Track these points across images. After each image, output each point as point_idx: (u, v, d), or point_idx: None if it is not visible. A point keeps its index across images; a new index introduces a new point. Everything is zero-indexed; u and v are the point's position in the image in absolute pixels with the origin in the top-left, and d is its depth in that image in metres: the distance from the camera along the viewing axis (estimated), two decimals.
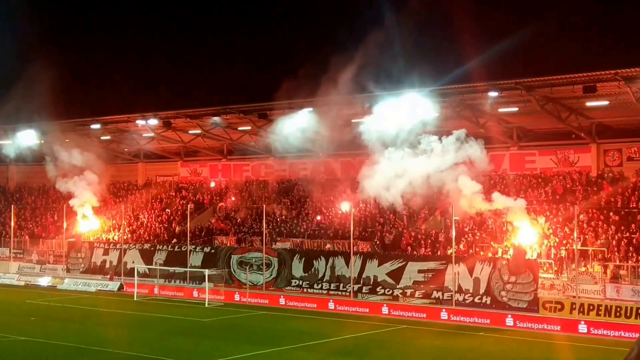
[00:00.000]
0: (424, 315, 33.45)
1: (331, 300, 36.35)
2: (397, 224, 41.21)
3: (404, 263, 36.31)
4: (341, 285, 37.89)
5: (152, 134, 54.15)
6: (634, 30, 48.99)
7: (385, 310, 34.56)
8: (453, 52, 45.03)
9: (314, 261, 39.19)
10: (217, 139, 53.61)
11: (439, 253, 37.01)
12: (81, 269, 47.92)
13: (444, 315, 33.04)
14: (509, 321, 31.18)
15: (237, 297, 39.17)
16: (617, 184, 38.93)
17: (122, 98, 58.86)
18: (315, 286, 38.70)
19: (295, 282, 39.47)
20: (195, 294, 40.47)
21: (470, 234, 37.61)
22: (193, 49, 72.42)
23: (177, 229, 48.39)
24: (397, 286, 36.07)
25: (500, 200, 34.70)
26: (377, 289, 36.62)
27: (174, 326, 32.50)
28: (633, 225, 34.66)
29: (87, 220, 51.90)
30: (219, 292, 39.73)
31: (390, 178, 35.35)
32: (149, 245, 46.50)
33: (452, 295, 34.17)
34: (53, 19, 71.33)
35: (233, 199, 50.10)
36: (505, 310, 32.37)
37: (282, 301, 37.69)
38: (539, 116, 40.26)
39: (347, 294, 37.21)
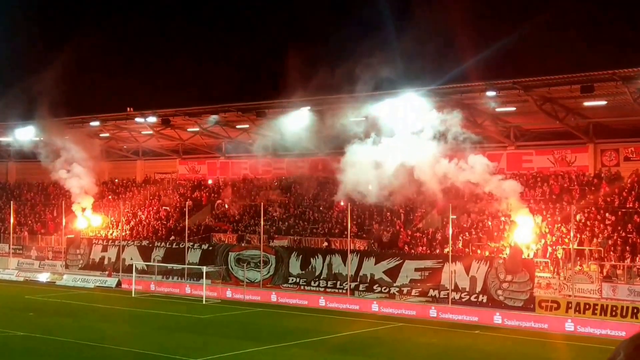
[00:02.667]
0: (421, 313, 33.59)
1: (328, 298, 36.52)
2: (395, 222, 41.34)
3: (400, 261, 36.44)
4: (338, 283, 38.03)
5: (150, 132, 54.29)
6: (632, 31, 49.13)
7: (381, 308, 34.72)
8: (451, 52, 45.11)
9: (311, 259, 39.33)
10: (215, 137, 53.73)
11: (437, 251, 37.12)
12: (80, 265, 48.06)
13: (440, 313, 33.20)
14: (505, 320, 31.34)
15: (234, 294, 39.31)
16: (614, 184, 39.06)
17: (121, 96, 59.01)
18: (312, 284, 38.84)
19: (293, 280, 39.60)
20: (192, 290, 40.59)
21: (467, 233, 37.74)
22: (192, 47, 72.53)
23: (174, 223, 48.52)
24: (394, 284, 36.19)
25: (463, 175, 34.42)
26: (374, 287, 36.75)
27: (171, 322, 32.66)
28: (629, 225, 34.78)
29: (86, 218, 52.10)
30: (217, 289, 39.88)
31: (361, 172, 35.74)
32: (147, 242, 46.64)
33: (448, 293, 34.31)
34: (53, 16, 71.45)
35: (226, 206, 50.12)
36: (501, 308, 32.51)
37: (279, 298, 37.83)
38: (536, 116, 40.36)
39: (344, 291, 37.35)
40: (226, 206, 49.83)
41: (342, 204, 42.51)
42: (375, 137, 35.91)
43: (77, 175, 51.39)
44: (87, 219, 51.86)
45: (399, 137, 35.05)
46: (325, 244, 41.62)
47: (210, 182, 55.11)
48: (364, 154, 35.57)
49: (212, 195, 52.65)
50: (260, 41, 71.06)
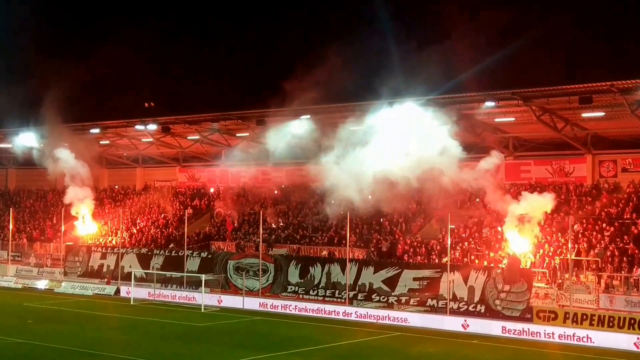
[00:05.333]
0: (419, 322, 33.65)
1: (327, 307, 36.60)
2: (394, 231, 41.45)
3: (399, 271, 36.54)
4: (337, 292, 38.10)
5: (150, 139, 54.45)
6: (629, 43, 49.39)
7: (380, 317, 34.78)
8: (450, 62, 45.29)
9: (310, 267, 39.42)
10: (215, 145, 53.88)
11: (436, 260, 37.23)
12: (78, 273, 48.10)
13: (438, 323, 33.26)
14: (503, 330, 31.40)
15: (233, 303, 39.36)
16: (612, 195, 39.23)
17: (121, 103, 59.15)
18: (311, 292, 38.92)
19: (291, 288, 39.68)
20: (191, 298, 40.64)
21: (465, 243, 37.85)
22: (192, 55, 72.70)
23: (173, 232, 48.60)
24: (392, 293, 36.28)
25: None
26: (373, 296, 36.83)
27: (170, 330, 32.71)
28: (626, 237, 34.91)
29: (84, 223, 52.22)
30: (215, 297, 39.93)
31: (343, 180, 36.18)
32: (146, 249, 46.71)
33: (446, 303, 34.40)
34: (54, 23, 71.69)
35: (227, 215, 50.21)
36: (499, 318, 32.59)
37: (278, 307, 37.88)
38: (535, 126, 40.60)
39: (343, 300, 37.42)
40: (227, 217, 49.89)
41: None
42: (361, 147, 36.28)
43: (75, 181, 51.57)
44: (84, 221, 51.98)
45: (389, 146, 35.33)
46: (325, 252, 41.73)
47: (211, 190, 55.08)
48: (347, 164, 36.13)
49: (212, 203, 52.74)
50: (260, 50, 71.29)
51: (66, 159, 51.30)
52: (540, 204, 34.87)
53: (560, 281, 33.60)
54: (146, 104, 48.01)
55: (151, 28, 71.47)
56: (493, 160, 36.30)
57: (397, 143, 35.42)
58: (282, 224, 46.64)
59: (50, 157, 52.23)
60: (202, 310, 38.13)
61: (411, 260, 37.81)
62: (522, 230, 35.05)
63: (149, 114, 49.10)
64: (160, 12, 78.18)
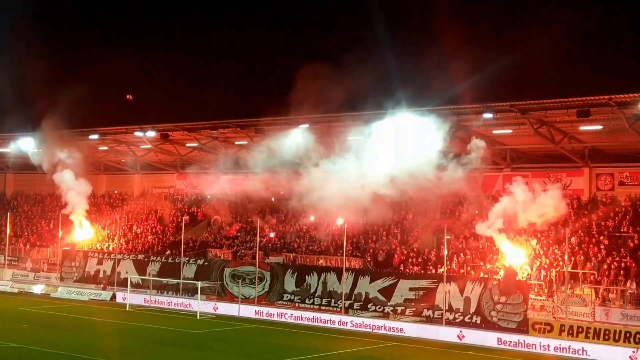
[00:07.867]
0: (414, 333, 33.64)
1: (322, 316, 36.58)
2: (391, 241, 41.50)
3: (395, 280, 36.58)
4: (333, 301, 38.11)
5: (149, 146, 54.49)
6: (628, 57, 49.67)
7: (375, 327, 34.77)
8: (448, 74, 45.51)
9: (307, 276, 39.44)
10: (213, 153, 53.92)
11: (433, 271, 37.24)
12: (75, 278, 48.06)
13: (434, 333, 33.26)
14: (498, 341, 31.40)
15: (228, 310, 39.34)
16: (609, 208, 39.30)
17: (120, 109, 59.30)
18: (307, 301, 38.92)
19: (287, 297, 39.68)
20: (187, 305, 40.61)
21: (462, 254, 37.89)
22: (192, 62, 72.96)
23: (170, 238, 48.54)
24: (388, 303, 36.31)
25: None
26: (369, 306, 36.85)
27: (165, 337, 32.70)
28: (623, 250, 34.97)
29: (81, 226, 52.19)
30: (211, 304, 39.91)
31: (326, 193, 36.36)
32: (143, 256, 46.68)
33: (442, 314, 34.41)
34: (53, 28, 71.96)
35: (222, 218, 50.18)
36: (494, 330, 32.61)
37: (273, 315, 37.87)
38: (532, 139, 40.71)
39: (339, 309, 37.43)
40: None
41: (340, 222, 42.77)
42: (359, 156, 36.43)
43: (74, 186, 51.54)
44: (81, 225, 51.93)
45: (385, 156, 35.47)
46: (321, 261, 41.73)
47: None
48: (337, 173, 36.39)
49: (209, 210, 52.66)
50: (261, 59, 71.53)
51: (59, 152, 51.36)
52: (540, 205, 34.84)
53: (555, 295, 33.61)
54: (128, 96, 47.70)
55: (151, 34, 71.76)
56: (475, 152, 36.14)
57: (392, 153, 35.53)
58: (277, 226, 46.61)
59: (46, 153, 52.20)
60: (198, 317, 38.11)
61: (407, 271, 37.84)
62: (514, 239, 35.15)
63: (148, 121, 48.96)
64: (161, 18, 78.49)
